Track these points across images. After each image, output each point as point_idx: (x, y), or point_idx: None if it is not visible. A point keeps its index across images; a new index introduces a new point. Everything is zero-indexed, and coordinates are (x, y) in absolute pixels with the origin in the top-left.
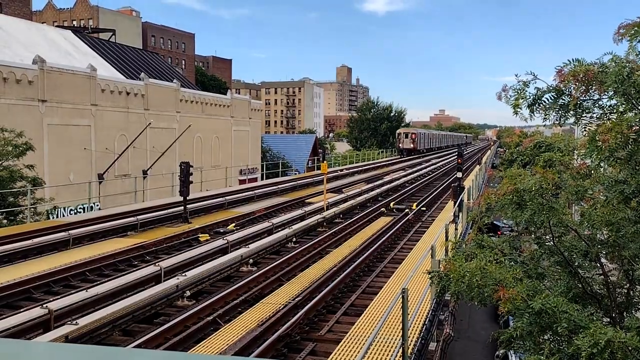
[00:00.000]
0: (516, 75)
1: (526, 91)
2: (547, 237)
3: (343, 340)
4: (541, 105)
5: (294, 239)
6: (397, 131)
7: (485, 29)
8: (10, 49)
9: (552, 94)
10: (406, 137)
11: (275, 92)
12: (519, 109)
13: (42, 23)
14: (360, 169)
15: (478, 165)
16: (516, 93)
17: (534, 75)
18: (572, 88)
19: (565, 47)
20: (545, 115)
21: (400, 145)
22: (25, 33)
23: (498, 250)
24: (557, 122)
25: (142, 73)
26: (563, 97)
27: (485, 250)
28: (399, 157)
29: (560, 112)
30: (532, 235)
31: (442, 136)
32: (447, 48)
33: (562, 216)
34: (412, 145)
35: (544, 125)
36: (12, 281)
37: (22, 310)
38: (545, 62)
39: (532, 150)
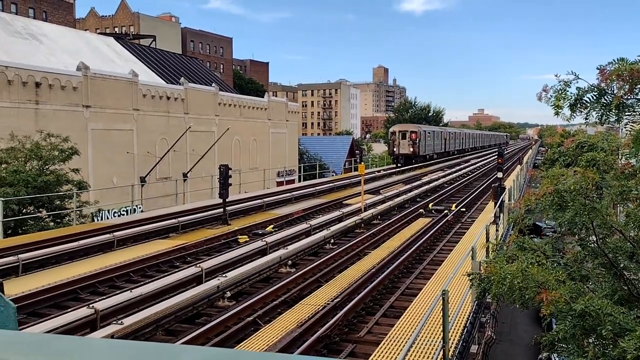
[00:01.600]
0: (556, 75)
1: (567, 91)
2: (591, 238)
3: (382, 342)
4: (582, 104)
5: (332, 241)
6: (391, 129)
7: (526, 26)
8: (56, 57)
9: (594, 93)
10: (403, 137)
11: (312, 94)
12: (559, 110)
13: (85, 30)
14: (398, 169)
15: (519, 165)
16: (557, 93)
17: (575, 74)
18: (615, 87)
19: (606, 44)
20: (587, 115)
21: (394, 149)
22: (70, 41)
23: (540, 252)
24: (599, 121)
25: (182, 78)
26: (605, 97)
27: (527, 252)
28: (394, 167)
29: (602, 111)
30: (575, 237)
31: (465, 136)
32: (486, 46)
33: (606, 217)
34: (411, 150)
35: (586, 124)
36: (60, 282)
37: (69, 310)
38: (587, 60)
39: (575, 151)
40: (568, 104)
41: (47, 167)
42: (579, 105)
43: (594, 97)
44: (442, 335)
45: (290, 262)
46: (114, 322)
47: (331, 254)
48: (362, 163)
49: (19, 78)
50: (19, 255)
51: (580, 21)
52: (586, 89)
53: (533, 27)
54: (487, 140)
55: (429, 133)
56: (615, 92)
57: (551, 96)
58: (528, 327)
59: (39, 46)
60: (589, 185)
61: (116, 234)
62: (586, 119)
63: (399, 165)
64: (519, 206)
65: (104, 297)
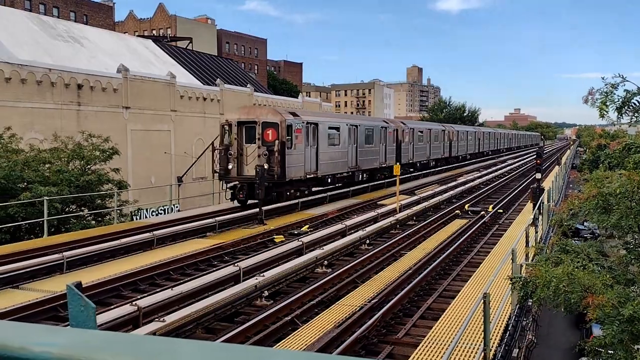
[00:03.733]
0: (603, 78)
1: (614, 94)
2: (637, 242)
3: (421, 344)
4: (631, 107)
5: (368, 241)
6: (222, 121)
7: (565, 24)
8: (96, 59)
9: None
10: (249, 139)
11: (345, 94)
12: (605, 112)
13: (125, 33)
14: (433, 170)
15: (557, 166)
16: (603, 96)
17: (622, 77)
18: None
19: None
20: (636, 117)
21: (228, 165)
22: (110, 43)
23: (584, 255)
24: None
25: (218, 79)
26: None
27: (570, 255)
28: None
29: None
30: (620, 240)
31: (457, 136)
32: (523, 46)
33: None
34: (265, 167)
35: (629, 124)
36: (102, 279)
37: (112, 307)
38: (632, 58)
39: (621, 152)
40: (615, 107)
41: (88, 167)
42: (626, 108)
43: None
44: (482, 338)
45: (326, 262)
46: (156, 319)
47: (367, 255)
48: (397, 164)
49: (62, 80)
50: (64, 253)
51: (623, 17)
52: (635, 91)
53: (574, 24)
54: (507, 141)
55: (332, 129)
56: None
57: (597, 99)
58: (566, 330)
59: (80, 49)
60: (635, 188)
61: (156, 232)
62: (636, 120)
63: (232, 199)
64: (563, 209)
65: (146, 294)
